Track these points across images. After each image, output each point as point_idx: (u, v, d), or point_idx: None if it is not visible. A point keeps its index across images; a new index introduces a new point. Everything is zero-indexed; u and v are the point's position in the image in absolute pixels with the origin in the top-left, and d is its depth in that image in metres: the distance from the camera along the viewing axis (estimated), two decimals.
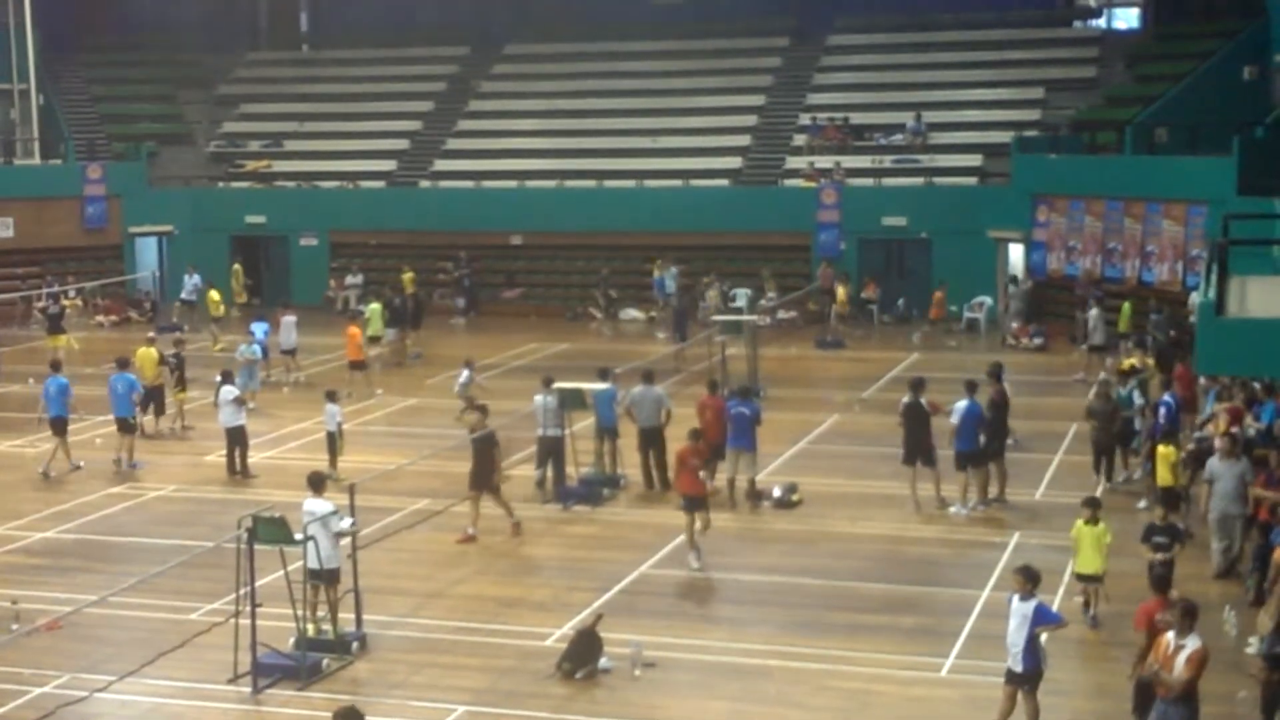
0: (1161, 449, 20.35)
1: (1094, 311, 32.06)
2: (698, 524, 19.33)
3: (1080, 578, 17.14)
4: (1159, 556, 16.71)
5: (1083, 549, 17.05)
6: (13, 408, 30.23)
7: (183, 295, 41.70)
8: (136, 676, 15.33)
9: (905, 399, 22.30)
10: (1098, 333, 31.56)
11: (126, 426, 25.19)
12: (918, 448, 21.93)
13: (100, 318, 41.89)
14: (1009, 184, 40.00)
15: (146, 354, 27.61)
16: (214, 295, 37.84)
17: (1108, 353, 31.56)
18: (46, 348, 34.42)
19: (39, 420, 25.24)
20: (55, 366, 26.54)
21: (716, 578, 18.96)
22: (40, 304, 39.66)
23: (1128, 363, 24.87)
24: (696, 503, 19.41)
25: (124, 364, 26.19)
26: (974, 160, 41.99)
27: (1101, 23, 47.75)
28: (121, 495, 23.22)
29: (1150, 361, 25.13)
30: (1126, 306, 33.35)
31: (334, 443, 24.02)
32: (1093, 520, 16.95)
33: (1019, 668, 13.68)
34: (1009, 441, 22.63)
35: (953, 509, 21.62)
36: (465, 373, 27.94)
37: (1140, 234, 35.77)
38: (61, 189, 44.41)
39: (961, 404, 21.63)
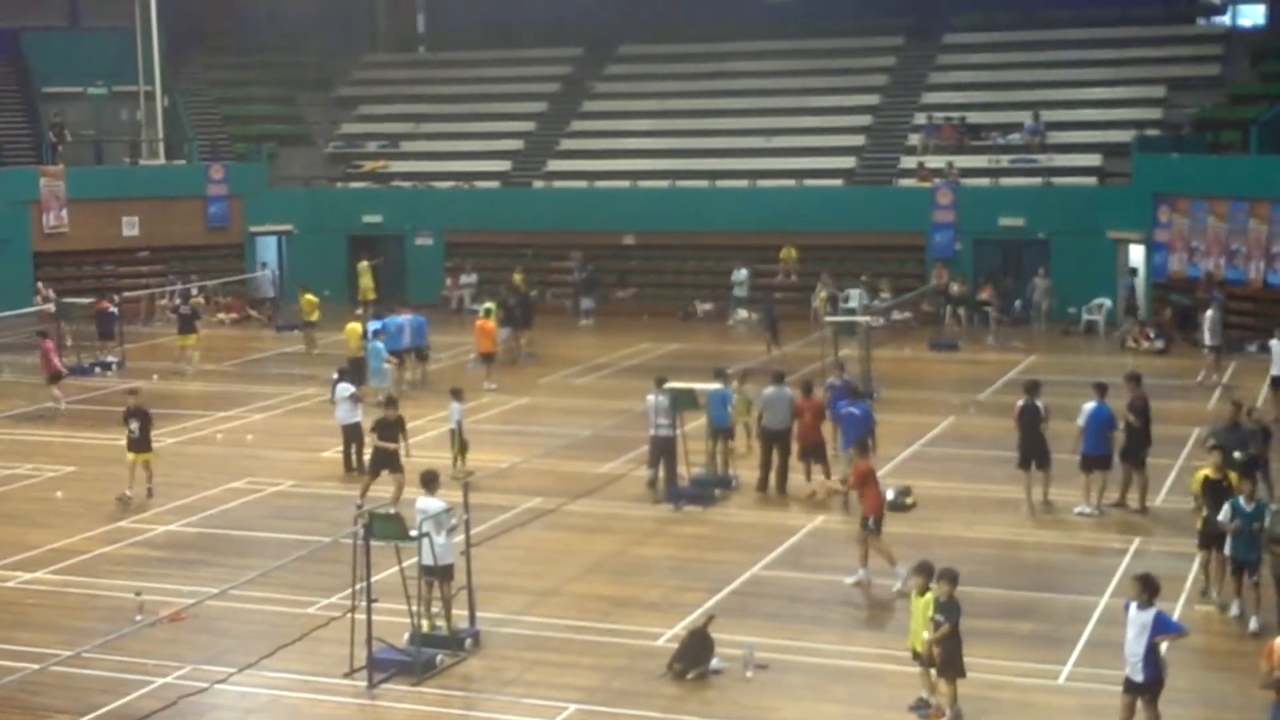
0: None
1: (1210, 313, 31.51)
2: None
3: (913, 655, 14.77)
4: None
5: (914, 623, 14.66)
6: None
7: (268, 294, 42.79)
8: (256, 669, 15.58)
9: (1020, 402, 22.03)
10: (1212, 334, 31.06)
11: (422, 355, 31.87)
12: (1033, 451, 21.65)
13: (221, 315, 42.66)
14: (1130, 184, 39.32)
15: (353, 329, 30.66)
16: (310, 298, 36.44)
17: (1224, 355, 31.22)
18: (176, 347, 35.03)
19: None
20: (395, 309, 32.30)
21: (829, 580, 18.85)
22: (171, 303, 40.37)
23: (1201, 474, 18.35)
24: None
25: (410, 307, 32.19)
26: (1093, 160, 41.33)
27: (1225, 20, 46.81)
28: (241, 490, 23.62)
29: (1234, 476, 18.30)
30: None
31: (455, 440, 24.22)
32: (923, 590, 14.47)
33: (1139, 677, 13.43)
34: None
35: (1077, 509, 21.34)
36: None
37: (1265, 235, 34.99)
38: (185, 189, 45.26)
39: (1089, 406, 21.31)
